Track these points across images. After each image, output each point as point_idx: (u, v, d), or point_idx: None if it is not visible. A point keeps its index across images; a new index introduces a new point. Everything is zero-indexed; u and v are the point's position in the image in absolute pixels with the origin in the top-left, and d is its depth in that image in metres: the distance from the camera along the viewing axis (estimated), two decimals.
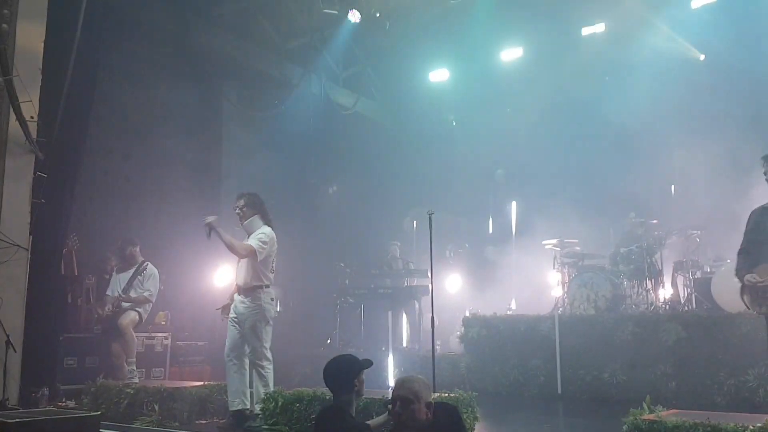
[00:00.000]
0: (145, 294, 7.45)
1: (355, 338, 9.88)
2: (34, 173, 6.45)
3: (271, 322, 5.61)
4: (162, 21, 8.91)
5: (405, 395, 3.12)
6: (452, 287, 10.55)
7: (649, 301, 8.00)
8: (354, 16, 9.80)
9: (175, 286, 8.61)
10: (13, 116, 6.00)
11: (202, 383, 6.31)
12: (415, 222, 11.37)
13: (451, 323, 8.76)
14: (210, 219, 5.40)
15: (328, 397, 5.14)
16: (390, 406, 3.20)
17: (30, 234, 6.35)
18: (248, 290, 5.53)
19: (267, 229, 5.64)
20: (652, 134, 9.40)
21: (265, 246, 5.53)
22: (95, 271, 7.95)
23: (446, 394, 5.02)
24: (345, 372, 3.57)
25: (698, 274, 8.09)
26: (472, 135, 11.98)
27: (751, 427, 3.66)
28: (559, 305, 8.35)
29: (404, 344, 9.57)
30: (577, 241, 9.24)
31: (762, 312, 4.34)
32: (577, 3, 9.26)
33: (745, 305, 4.47)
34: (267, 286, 5.60)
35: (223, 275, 8.10)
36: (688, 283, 8.08)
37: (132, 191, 9.19)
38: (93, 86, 7.34)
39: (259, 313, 5.50)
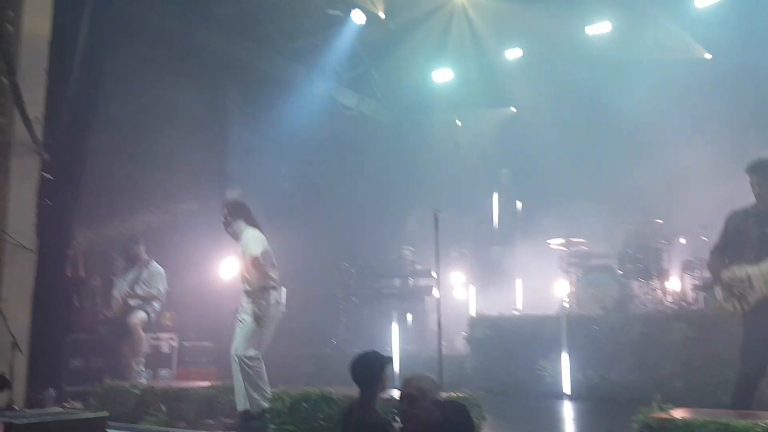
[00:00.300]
0: (153, 291, 7.46)
1: (360, 338, 9.86)
2: (40, 174, 6.44)
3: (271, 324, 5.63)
4: (166, 22, 8.92)
5: (411, 392, 3.14)
6: (457, 287, 10.53)
7: (657, 301, 7.96)
8: (358, 17, 9.80)
9: (181, 287, 8.61)
10: (18, 117, 6.01)
11: (209, 384, 6.31)
12: (419, 222, 11.34)
13: (457, 323, 8.72)
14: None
15: (334, 397, 5.14)
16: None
17: (36, 235, 6.36)
18: (256, 292, 5.56)
19: (250, 230, 5.70)
20: (658, 133, 9.36)
21: (257, 243, 5.59)
22: (101, 272, 7.97)
23: (454, 394, 5.00)
24: (372, 366, 3.71)
25: (706, 274, 8.04)
26: (476, 135, 11.96)
27: (761, 424, 3.63)
28: (565, 305, 8.32)
29: (409, 345, 9.54)
30: (583, 240, 9.19)
31: (732, 307, 4.47)
32: (582, 2, 9.23)
33: (719, 301, 4.59)
34: (274, 288, 5.64)
35: (229, 275, 8.10)
36: (696, 282, 8.04)
37: (137, 192, 9.20)
38: (98, 87, 7.35)
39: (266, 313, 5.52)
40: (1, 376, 5.34)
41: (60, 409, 5.86)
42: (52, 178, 6.50)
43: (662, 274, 8.17)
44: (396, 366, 8.02)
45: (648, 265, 8.08)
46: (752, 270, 4.39)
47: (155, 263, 7.66)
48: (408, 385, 3.18)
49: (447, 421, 3.14)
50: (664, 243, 8.30)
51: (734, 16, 8.65)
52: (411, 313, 9.78)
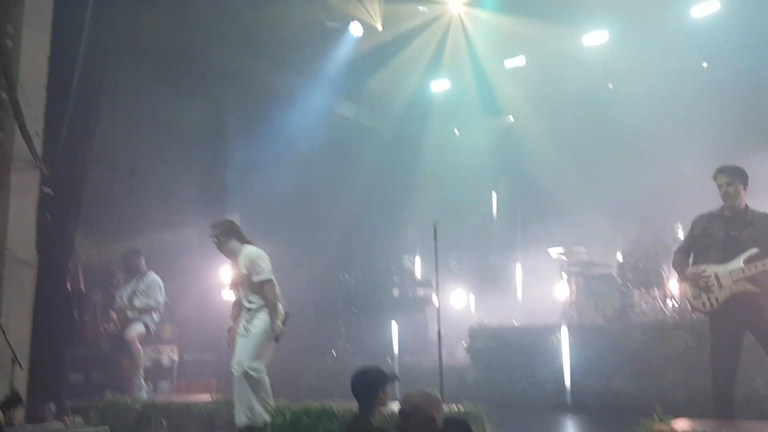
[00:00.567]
0: (151, 302, 7.45)
1: (360, 350, 9.84)
2: (40, 189, 6.46)
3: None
4: (166, 36, 8.96)
5: (404, 409, 3.16)
6: (457, 297, 10.52)
7: (657, 310, 7.95)
8: (356, 29, 9.86)
9: (182, 300, 8.62)
10: (18, 133, 6.03)
11: (209, 398, 6.30)
12: (418, 231, 11.35)
13: (457, 333, 8.71)
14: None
15: (336, 410, 5.13)
16: None
17: (36, 250, 6.36)
18: (272, 309, 5.56)
19: (248, 248, 5.70)
20: (657, 141, 9.38)
21: (265, 262, 5.60)
22: (102, 286, 7.98)
23: (456, 407, 4.99)
24: (369, 382, 3.73)
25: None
26: (475, 144, 11.98)
27: None
28: (566, 315, 8.31)
29: (410, 355, 9.52)
30: (584, 249, 9.20)
31: (700, 307, 4.63)
32: (580, 12, 9.27)
33: (688, 300, 4.77)
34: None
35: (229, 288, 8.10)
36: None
37: (138, 205, 9.23)
38: (98, 101, 7.37)
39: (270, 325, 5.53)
40: (16, 393, 5.32)
41: (60, 424, 5.86)
42: (51, 192, 6.52)
43: (663, 283, 8.15)
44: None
45: (648, 273, 8.07)
46: (719, 269, 4.52)
47: (153, 274, 7.66)
48: (404, 401, 3.20)
49: None
50: (665, 251, 8.29)
51: (730, 25, 8.68)
52: (411, 323, 9.76)
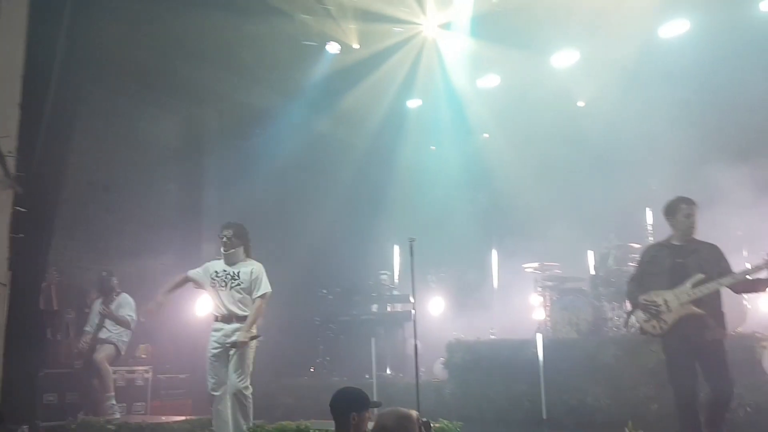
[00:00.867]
0: (127, 318, 7.38)
1: (338, 366, 9.82)
2: (13, 208, 6.39)
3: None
4: (143, 53, 8.96)
5: (374, 430, 3.13)
6: (435, 312, 10.57)
7: (630, 324, 8.06)
8: (333, 48, 9.95)
9: (156, 319, 8.52)
10: None
11: (183, 418, 6.25)
12: (396, 247, 11.41)
13: (435, 349, 8.75)
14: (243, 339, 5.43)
15: (311, 430, 5.13)
16: None
17: (9, 269, 6.27)
18: (256, 324, 5.56)
19: (252, 263, 5.70)
20: (626, 158, 9.59)
21: (266, 279, 5.66)
22: (75, 305, 7.88)
23: (433, 424, 5.01)
24: (346, 404, 3.67)
25: None
26: (451, 161, 12.10)
27: None
28: (541, 329, 8.40)
29: (388, 371, 9.53)
30: (557, 264, 9.33)
31: (651, 331, 4.88)
32: (551, 32, 9.48)
33: (639, 325, 5.02)
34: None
35: (204, 306, 8.05)
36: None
37: (113, 223, 9.15)
38: (72, 119, 7.33)
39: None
40: None
41: None
42: (25, 211, 6.45)
43: None
44: (374, 393, 8.00)
45: (620, 287, 8.19)
46: (668, 294, 4.82)
47: (125, 294, 7.58)
48: (377, 421, 3.16)
49: None
50: (636, 266, 8.43)
51: (697, 45, 8.94)
52: (389, 338, 9.78)
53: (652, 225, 8.60)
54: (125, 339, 7.55)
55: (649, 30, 9.18)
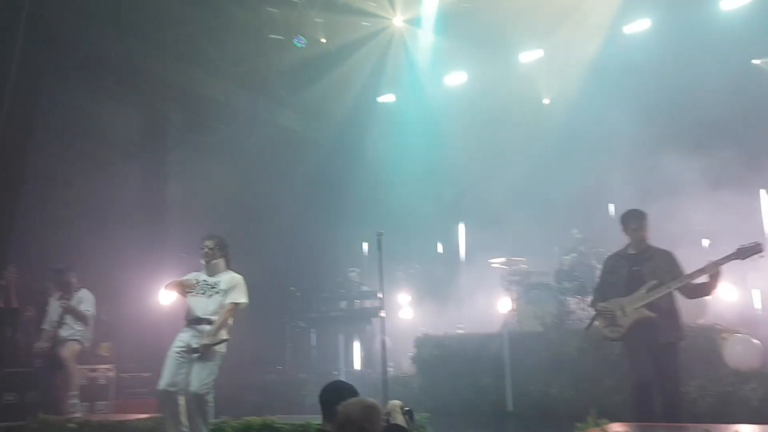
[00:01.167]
0: (87, 313, 7.19)
1: (307, 363, 9.78)
2: None
3: None
4: (104, 47, 8.77)
5: (339, 419, 3.11)
6: (404, 308, 10.59)
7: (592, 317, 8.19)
8: (299, 42, 9.88)
9: (119, 316, 8.38)
10: None
11: (147, 416, 6.15)
12: (365, 244, 11.40)
13: (404, 344, 8.78)
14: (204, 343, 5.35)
15: (278, 426, 5.09)
16: None
17: None
18: (224, 331, 5.48)
19: (232, 274, 5.68)
20: (590, 153, 9.73)
21: (245, 291, 5.62)
22: (35, 303, 7.67)
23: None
24: (334, 397, 3.62)
25: None
26: (419, 157, 12.12)
27: None
28: (507, 323, 8.48)
29: (357, 367, 9.52)
30: (523, 259, 9.44)
31: (610, 335, 5.18)
32: (517, 30, 9.58)
33: (601, 330, 5.28)
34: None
35: (167, 304, 7.92)
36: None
37: (73, 219, 8.93)
38: (32, 114, 7.16)
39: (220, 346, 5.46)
40: None
41: None
42: None
43: None
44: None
45: (584, 281, 8.34)
46: (624, 301, 5.11)
47: (84, 290, 7.40)
48: (341, 411, 3.14)
49: None
50: (599, 259, 8.57)
51: (658, 42, 9.13)
52: (358, 335, 9.77)
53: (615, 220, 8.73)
54: (89, 336, 7.37)
55: (611, 28, 9.35)
